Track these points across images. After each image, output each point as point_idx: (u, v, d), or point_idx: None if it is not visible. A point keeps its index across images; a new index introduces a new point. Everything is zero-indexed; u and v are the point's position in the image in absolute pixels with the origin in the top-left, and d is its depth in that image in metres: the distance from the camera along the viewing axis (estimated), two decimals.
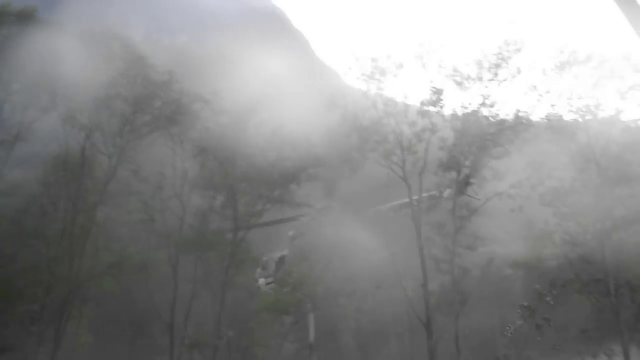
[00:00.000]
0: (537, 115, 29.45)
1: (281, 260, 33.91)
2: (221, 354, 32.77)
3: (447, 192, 29.78)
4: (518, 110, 29.39)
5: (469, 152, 29.67)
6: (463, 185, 29.04)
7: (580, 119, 29.12)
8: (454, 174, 29.70)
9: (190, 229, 32.28)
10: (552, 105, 29.28)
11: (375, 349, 56.37)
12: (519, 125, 28.90)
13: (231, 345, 34.11)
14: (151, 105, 31.71)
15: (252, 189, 32.23)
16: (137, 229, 32.26)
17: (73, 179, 29.68)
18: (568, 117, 29.22)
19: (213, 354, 31.18)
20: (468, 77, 30.27)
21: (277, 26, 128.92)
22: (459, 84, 30.43)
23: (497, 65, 29.56)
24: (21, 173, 31.04)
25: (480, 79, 30.03)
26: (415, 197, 29.51)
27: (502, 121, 29.64)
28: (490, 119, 29.70)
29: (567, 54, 29.34)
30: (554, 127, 29.05)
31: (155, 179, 32.42)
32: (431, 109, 30.91)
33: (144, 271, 31.31)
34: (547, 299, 26.67)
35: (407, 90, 31.95)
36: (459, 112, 30.35)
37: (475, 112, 29.96)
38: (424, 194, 29.60)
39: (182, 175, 32.42)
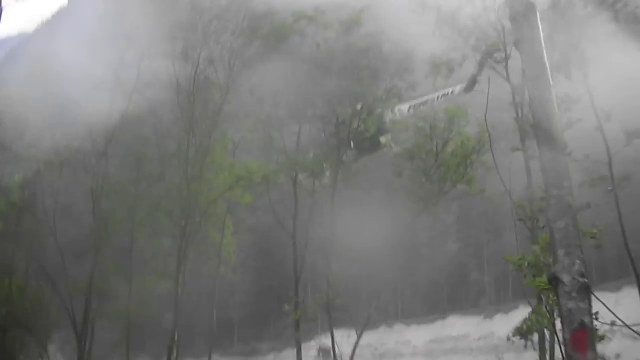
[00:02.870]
0: None
1: None
2: None
3: (458, 88, 28.19)
4: None
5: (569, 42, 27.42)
6: (472, 82, 27.42)
7: None
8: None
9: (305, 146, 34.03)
10: None
11: None
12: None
13: None
14: (257, 35, 33.42)
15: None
16: (258, 147, 35.01)
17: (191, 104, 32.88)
18: None
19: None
20: None
21: None
22: None
23: None
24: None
25: None
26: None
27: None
28: None
29: None
30: None
31: (271, 97, 34.45)
32: None
33: (266, 184, 34.20)
34: None
35: None
36: None
37: None
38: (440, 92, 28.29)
39: (295, 93, 33.90)
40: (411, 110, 29.68)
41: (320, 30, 33.53)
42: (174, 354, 32.79)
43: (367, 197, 36.81)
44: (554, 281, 6.85)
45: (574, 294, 6.64)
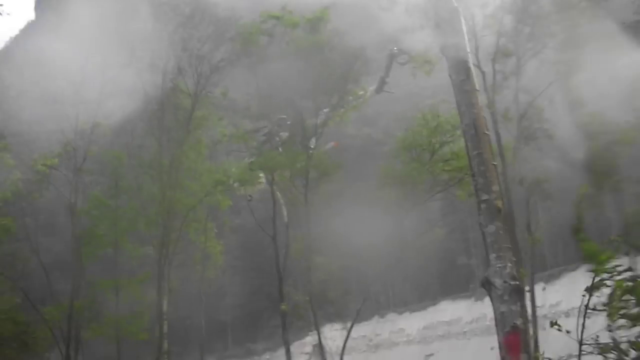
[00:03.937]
0: None
1: None
2: None
3: (370, 91, 29.15)
4: None
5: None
6: (381, 83, 28.29)
7: None
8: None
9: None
10: None
11: None
12: None
13: None
14: (223, 40, 33.39)
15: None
16: (231, 150, 35.10)
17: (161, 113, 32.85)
18: None
19: None
20: None
21: None
22: None
23: None
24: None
25: None
26: None
27: None
28: None
29: None
30: None
31: (243, 100, 34.44)
32: None
33: (244, 187, 34.28)
34: None
35: None
36: None
37: None
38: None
39: (265, 95, 33.86)
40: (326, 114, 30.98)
41: (288, 29, 33.51)
42: None
43: (349, 191, 36.85)
44: (487, 285, 6.96)
45: (506, 297, 6.77)
